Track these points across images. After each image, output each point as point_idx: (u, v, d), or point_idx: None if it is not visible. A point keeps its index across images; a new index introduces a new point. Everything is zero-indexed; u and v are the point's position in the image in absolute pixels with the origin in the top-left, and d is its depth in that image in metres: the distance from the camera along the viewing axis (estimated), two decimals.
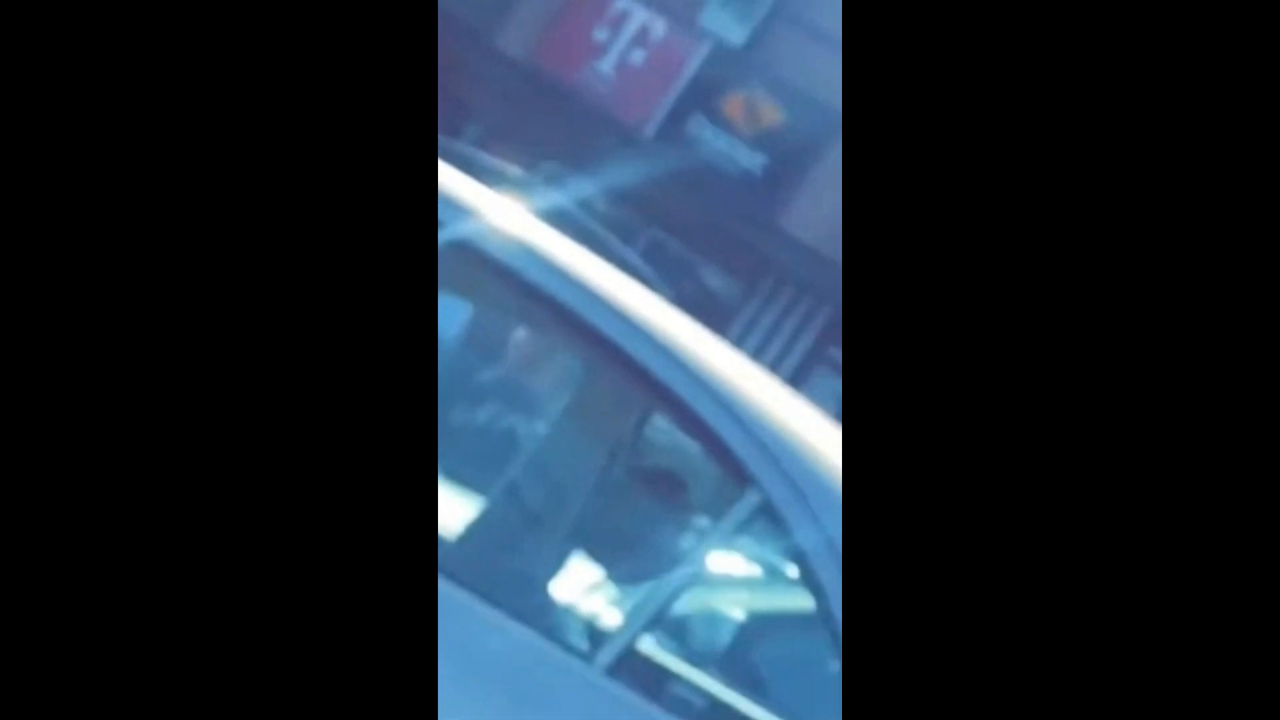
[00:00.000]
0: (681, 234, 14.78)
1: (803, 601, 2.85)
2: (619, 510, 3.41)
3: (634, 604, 2.79)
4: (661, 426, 3.30)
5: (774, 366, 14.25)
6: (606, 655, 2.59)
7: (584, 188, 13.87)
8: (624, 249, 3.50)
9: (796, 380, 14.27)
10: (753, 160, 14.29)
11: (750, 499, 2.67)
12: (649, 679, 3.02)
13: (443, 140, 3.31)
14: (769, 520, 2.68)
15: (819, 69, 13.81)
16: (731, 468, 2.71)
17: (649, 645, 3.34)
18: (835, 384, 14.54)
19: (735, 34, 14.51)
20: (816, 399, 11.58)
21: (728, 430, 2.70)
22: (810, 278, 14.44)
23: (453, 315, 8.08)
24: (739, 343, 14.09)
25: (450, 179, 2.93)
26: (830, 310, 14.48)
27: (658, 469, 3.50)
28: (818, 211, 13.76)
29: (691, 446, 2.95)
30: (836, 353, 14.57)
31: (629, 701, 2.59)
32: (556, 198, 3.67)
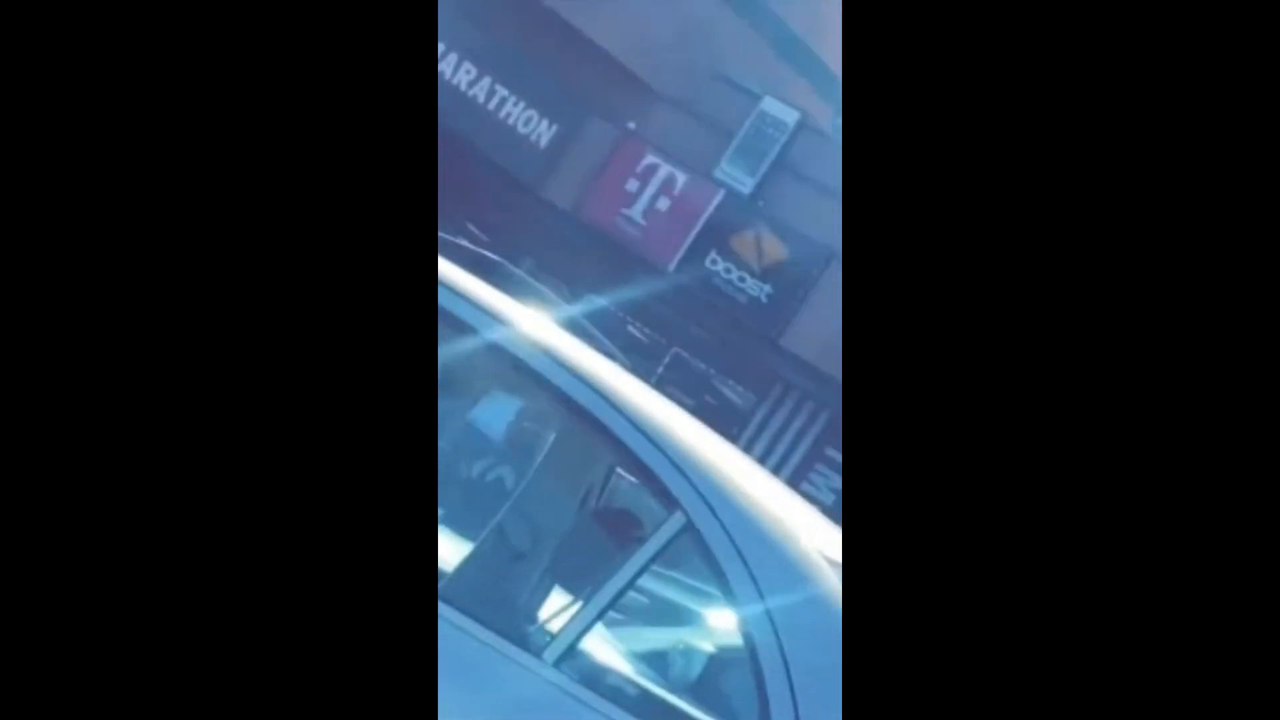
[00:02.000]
0: (700, 352, 14.69)
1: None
2: (587, 545, 3.38)
3: (575, 612, 2.86)
4: (624, 476, 3.43)
5: (780, 464, 14.24)
6: (553, 652, 2.69)
7: (617, 312, 14.39)
8: (609, 343, 3.55)
9: (799, 475, 14.19)
10: (760, 289, 14.22)
11: (674, 523, 2.77)
12: (589, 671, 3.15)
13: (505, 268, 3.60)
14: (692, 540, 2.76)
15: (814, 212, 13.89)
16: (666, 500, 2.81)
17: (596, 648, 3.46)
18: (833, 479, 14.31)
19: (744, 184, 14.50)
20: (815, 492, 12.34)
21: (669, 476, 2.81)
22: (810, 389, 14.29)
23: (507, 408, 8.37)
24: (751, 443, 14.13)
25: (493, 296, 3.07)
26: (827, 416, 14.29)
27: (617, 509, 3.49)
28: (815, 332, 13.69)
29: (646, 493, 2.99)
30: (833, 452, 14.34)
31: (569, 688, 2.67)
32: (571, 311, 3.70)
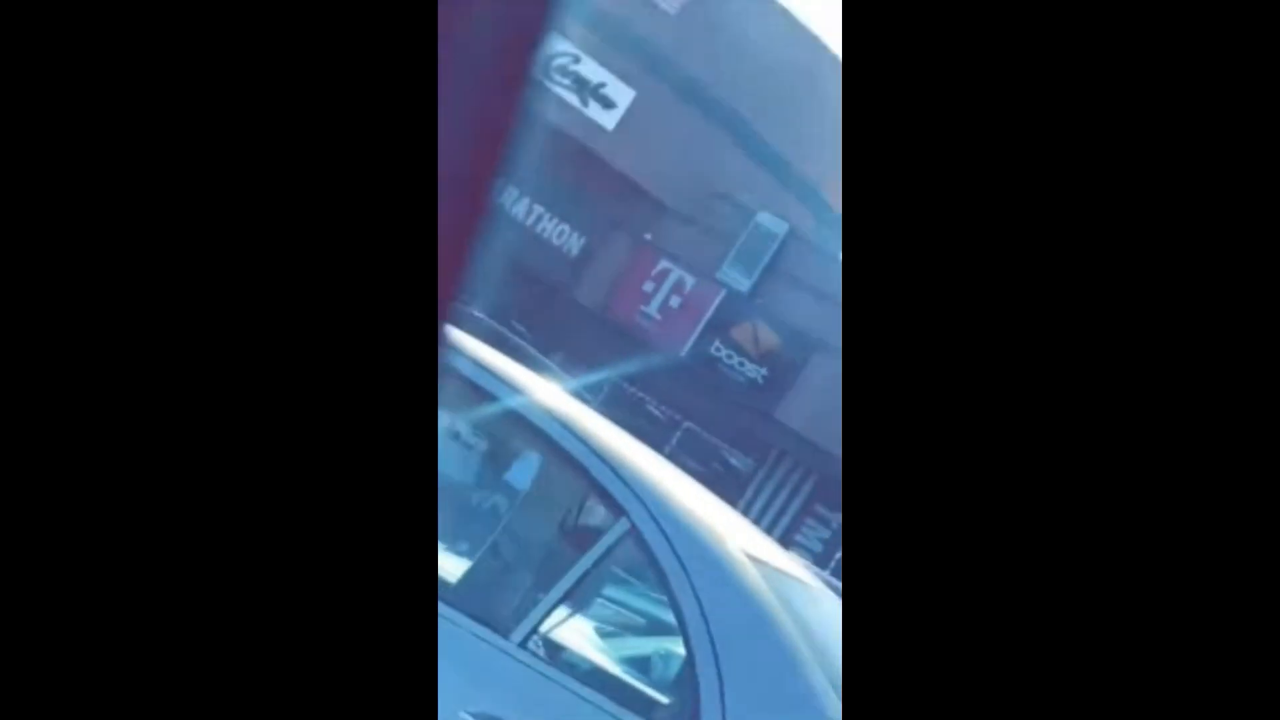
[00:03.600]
0: (708, 425, 14.67)
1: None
2: (564, 558, 3.30)
3: (538, 601, 2.91)
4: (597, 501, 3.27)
5: (777, 518, 14.21)
6: (518, 634, 2.73)
7: (637, 392, 14.42)
8: (584, 393, 3.52)
9: (792, 528, 14.19)
10: (757, 372, 14.22)
11: (620, 527, 2.80)
12: (549, 650, 3.21)
13: (538, 358, 3.58)
14: (635, 542, 2.80)
15: (802, 307, 13.98)
16: (614, 509, 2.86)
17: (555, 631, 3.46)
18: (821, 531, 14.36)
19: (743, 284, 14.53)
20: (806, 541, 12.42)
21: (616, 489, 2.85)
22: (800, 455, 14.33)
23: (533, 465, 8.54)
24: (751, 503, 14.08)
25: (517, 370, 3.11)
26: (816, 478, 14.31)
27: (588, 527, 3.47)
28: (804, 408, 13.75)
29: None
30: (820, 508, 14.38)
31: (530, 662, 2.74)
32: (572, 384, 3.69)
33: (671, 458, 3.40)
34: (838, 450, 13.59)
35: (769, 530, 13.00)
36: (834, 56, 15.61)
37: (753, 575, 2.89)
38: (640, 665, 4.62)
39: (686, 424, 14.71)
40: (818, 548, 13.94)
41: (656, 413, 14.76)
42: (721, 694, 2.68)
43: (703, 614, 2.78)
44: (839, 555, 13.53)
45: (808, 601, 3.05)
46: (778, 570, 3.03)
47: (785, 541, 12.73)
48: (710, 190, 14.99)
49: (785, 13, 15.26)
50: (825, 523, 14.37)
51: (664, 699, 3.30)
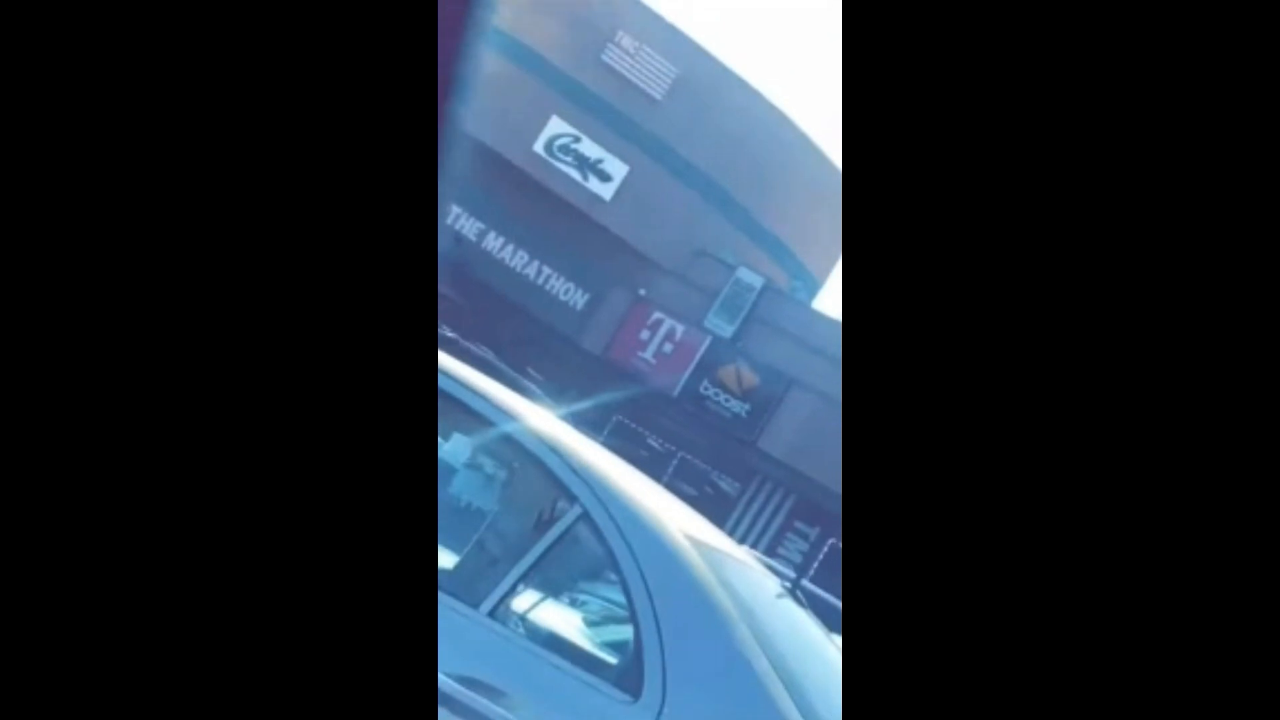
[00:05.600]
0: (699, 454, 14.65)
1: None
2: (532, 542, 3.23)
3: (504, 577, 2.88)
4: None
5: (761, 533, 14.14)
6: (486, 605, 2.73)
7: (636, 428, 14.39)
8: (602, 437, 3.43)
9: (775, 541, 14.09)
10: (741, 407, 14.19)
11: (573, 512, 2.78)
12: (511, 619, 3.16)
13: (534, 389, 3.54)
14: (587, 525, 2.79)
15: (778, 350, 14.05)
16: (568, 498, 2.86)
17: (523, 604, 3.47)
18: (800, 544, 14.25)
19: (726, 330, 14.48)
20: (787, 553, 12.42)
21: (569, 480, 2.86)
22: (780, 478, 14.30)
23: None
24: (739, 521, 14.01)
25: (516, 400, 3.04)
26: (794, 498, 14.27)
27: (556, 520, 3.27)
28: (783, 437, 13.82)
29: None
30: (799, 524, 14.32)
31: (497, 629, 2.73)
32: (560, 411, 3.63)
33: (669, 484, 3.23)
34: (813, 473, 13.69)
35: (755, 543, 13.14)
36: (798, 129, 15.80)
37: (690, 552, 2.90)
38: (620, 648, 4.30)
39: (681, 454, 14.69)
40: (797, 557, 13.96)
41: (655, 444, 14.77)
42: (662, 653, 2.68)
43: (646, 587, 2.78)
44: (816, 563, 13.56)
45: (738, 573, 3.05)
46: (713, 548, 3.04)
47: (770, 552, 12.79)
48: (696, 250, 15.03)
49: (756, 93, 15.34)
50: (804, 536, 14.31)
51: (614, 661, 3.28)
